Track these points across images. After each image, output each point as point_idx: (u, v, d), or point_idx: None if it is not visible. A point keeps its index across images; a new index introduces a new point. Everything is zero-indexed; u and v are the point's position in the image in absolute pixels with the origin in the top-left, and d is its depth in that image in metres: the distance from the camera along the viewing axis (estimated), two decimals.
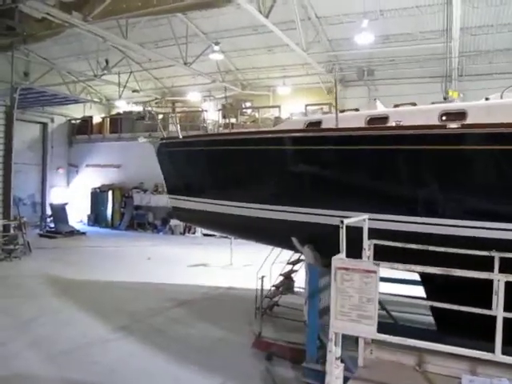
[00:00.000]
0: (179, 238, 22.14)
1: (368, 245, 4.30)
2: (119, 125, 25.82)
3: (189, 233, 22.99)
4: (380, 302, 8.18)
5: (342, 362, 3.60)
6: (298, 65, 22.56)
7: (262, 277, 7.88)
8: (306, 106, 21.75)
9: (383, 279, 9.00)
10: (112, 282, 12.12)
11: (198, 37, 20.72)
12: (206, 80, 24.61)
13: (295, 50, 17.50)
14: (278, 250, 9.35)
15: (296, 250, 7.27)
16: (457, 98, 8.83)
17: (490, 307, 3.85)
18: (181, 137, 7.80)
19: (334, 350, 3.39)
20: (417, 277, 6.11)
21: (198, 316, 9.38)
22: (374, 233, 4.62)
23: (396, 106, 7.32)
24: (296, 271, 9.73)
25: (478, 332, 4.14)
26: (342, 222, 3.64)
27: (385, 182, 5.05)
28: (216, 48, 17.90)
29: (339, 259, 3.42)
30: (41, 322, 8.70)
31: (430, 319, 6.13)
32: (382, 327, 7.20)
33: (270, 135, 5.97)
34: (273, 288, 10.34)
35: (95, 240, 20.45)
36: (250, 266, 15.01)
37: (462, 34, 17.06)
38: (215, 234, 22.43)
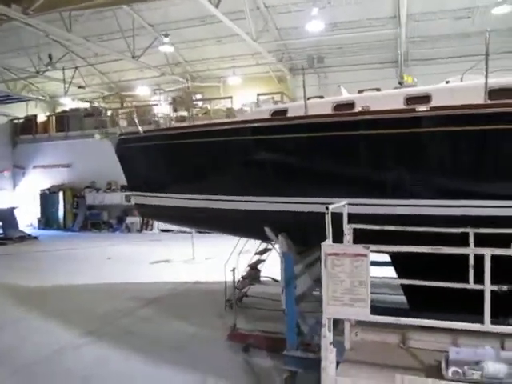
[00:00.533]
0: (137, 236, 21.69)
1: (348, 229, 4.36)
2: (66, 123, 24.80)
3: (146, 229, 22.59)
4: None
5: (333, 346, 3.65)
6: (247, 55, 22.50)
7: (234, 268, 7.83)
8: (258, 95, 21.73)
9: None
10: (75, 286, 11.68)
11: (144, 29, 20.19)
12: (155, 73, 24.09)
13: (245, 39, 17.46)
14: (239, 241, 9.38)
15: (267, 240, 7.28)
16: (411, 83, 9.06)
17: (462, 281, 4.05)
18: (141, 131, 7.58)
19: (328, 336, 3.43)
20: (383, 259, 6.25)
21: (168, 314, 9.22)
22: (352, 217, 4.72)
23: (360, 91, 7.45)
24: (263, 261, 9.77)
25: (451, 306, 4.34)
26: (327, 208, 3.67)
27: (358, 167, 5.15)
28: (166, 40, 17.53)
29: (329, 245, 3.45)
30: (2, 333, 8.25)
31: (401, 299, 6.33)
32: None
33: (237, 125, 5.91)
34: (241, 279, 10.47)
35: (49, 244, 19.62)
36: (212, 259, 14.98)
37: (407, 20, 17.62)
38: (173, 229, 22.24)
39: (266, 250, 9.51)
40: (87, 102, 27.07)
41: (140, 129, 7.70)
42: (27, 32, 19.92)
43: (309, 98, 7.89)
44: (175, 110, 24.37)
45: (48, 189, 24.64)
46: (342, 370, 3.79)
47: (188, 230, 21.83)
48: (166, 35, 17.41)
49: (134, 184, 8.10)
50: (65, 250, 17.69)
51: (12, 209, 20.84)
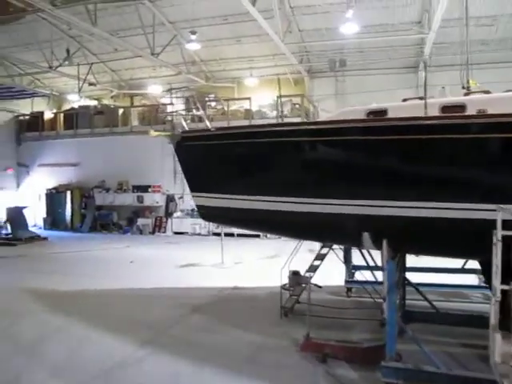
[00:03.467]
0: (150, 238, 21.13)
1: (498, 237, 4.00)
2: (75, 120, 24.07)
3: (159, 232, 22.01)
4: (419, 292, 8.15)
5: None
6: (266, 56, 22.17)
7: (311, 273, 7.41)
8: (278, 97, 21.38)
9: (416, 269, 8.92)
10: (105, 291, 11.13)
11: (163, 26, 19.68)
12: (167, 72, 23.59)
13: (274, 39, 17.02)
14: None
15: (357, 246, 6.90)
16: (475, 87, 8.84)
17: None
18: (212, 129, 7.15)
19: None
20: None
21: (220, 322, 8.77)
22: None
23: (467, 94, 7.17)
24: (317, 266, 9.38)
25: None
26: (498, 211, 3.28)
27: (485, 171, 4.84)
28: (193, 37, 17.03)
29: None
30: (49, 345, 7.63)
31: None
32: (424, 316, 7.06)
33: (342, 125, 5.53)
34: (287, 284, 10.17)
35: (60, 245, 18.94)
36: (241, 264, 14.63)
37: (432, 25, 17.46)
38: (187, 231, 21.78)
39: (324, 256, 9.14)
40: (95, 99, 26.43)
41: (209, 126, 7.27)
42: (41, 26, 19.34)
43: (405, 100, 7.61)
44: (188, 110, 23.92)
45: (55, 188, 23.91)
46: None
47: (203, 232, 21.62)
48: (194, 32, 16.93)
49: (197, 185, 7.63)
50: (80, 252, 17.08)
51: (21, 208, 20.09)
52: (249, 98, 21.78)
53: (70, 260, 15.51)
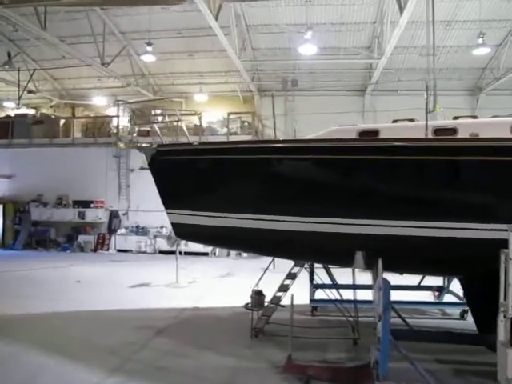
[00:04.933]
0: (94, 256, 19.94)
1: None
2: (10, 129, 22.39)
3: (102, 249, 20.85)
4: (394, 309, 8.23)
5: None
6: (216, 72, 22.10)
7: (292, 295, 7.23)
8: (229, 114, 21.31)
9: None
10: (56, 313, 10.16)
11: (114, 36, 19.05)
12: (113, 83, 22.81)
13: (230, 56, 16.98)
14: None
15: (344, 265, 6.82)
16: (439, 111, 9.30)
17: None
18: (194, 143, 6.85)
19: None
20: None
21: (188, 344, 8.29)
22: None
23: (456, 118, 7.40)
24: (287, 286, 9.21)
25: None
26: None
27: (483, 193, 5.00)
28: (149, 48, 16.60)
29: None
30: (2, 375, 6.82)
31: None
32: (398, 333, 7.15)
33: (340, 144, 5.46)
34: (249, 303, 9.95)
35: None
36: (196, 283, 14.16)
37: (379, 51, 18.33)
38: (131, 249, 20.85)
39: (295, 275, 9.00)
40: (33, 108, 24.87)
41: (190, 140, 6.95)
42: None
43: (395, 121, 7.73)
44: (135, 123, 23.16)
45: None
46: None
47: (149, 250, 20.79)
48: (149, 44, 16.49)
49: (173, 201, 7.24)
50: (18, 271, 15.66)
51: None
52: (199, 114, 21.43)
53: (9, 280, 14.13)
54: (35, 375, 6.75)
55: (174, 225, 7.40)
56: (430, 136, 5.81)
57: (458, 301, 10.44)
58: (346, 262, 6.04)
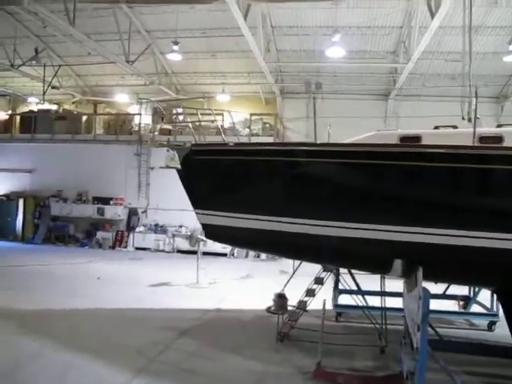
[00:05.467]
0: (112, 253, 20.01)
1: None
2: (33, 124, 22.61)
3: (120, 247, 20.90)
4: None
5: None
6: (239, 73, 22.04)
7: (324, 300, 7.11)
8: (251, 115, 21.25)
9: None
10: (75, 310, 10.15)
11: (139, 34, 19.09)
12: (136, 81, 22.88)
13: (256, 56, 16.87)
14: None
15: (380, 272, 6.67)
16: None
17: None
18: (231, 143, 6.76)
19: None
20: None
21: (213, 347, 8.22)
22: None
23: (499, 125, 7.21)
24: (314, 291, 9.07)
25: None
26: None
27: None
28: (175, 47, 16.58)
29: None
30: (27, 374, 6.69)
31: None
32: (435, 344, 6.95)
33: (395, 149, 5.32)
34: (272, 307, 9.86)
35: (11, 257, 17.48)
36: (217, 284, 14.10)
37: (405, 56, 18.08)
38: (149, 247, 20.84)
39: (322, 280, 8.87)
40: (55, 103, 25.07)
41: (226, 140, 6.88)
42: (3, 21, 18.16)
43: (436, 127, 7.58)
44: (155, 122, 23.23)
45: (5, 195, 22.20)
46: None
47: (167, 249, 20.78)
48: (176, 43, 16.49)
49: (205, 202, 7.15)
50: (36, 266, 15.76)
51: None
52: (222, 114, 21.43)
53: (27, 275, 14.18)
54: (63, 374, 6.71)
55: (204, 225, 7.31)
56: (476, 143, 5.64)
57: (485, 312, 10.24)
58: (383, 269, 5.90)
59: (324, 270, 8.73)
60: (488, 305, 10.22)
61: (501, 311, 9.88)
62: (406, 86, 20.77)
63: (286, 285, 9.10)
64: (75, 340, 8.10)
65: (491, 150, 5.12)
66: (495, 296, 9.93)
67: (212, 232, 7.31)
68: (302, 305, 8.84)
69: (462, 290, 11.14)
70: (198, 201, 7.29)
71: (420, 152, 5.08)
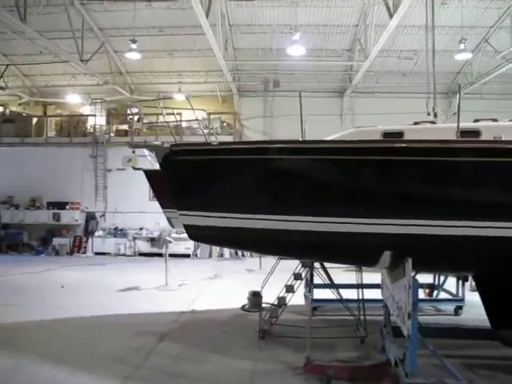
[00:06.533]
0: (71, 259, 19.25)
1: None
2: None
3: (78, 252, 20.15)
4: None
5: None
6: (196, 72, 21.83)
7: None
8: (209, 114, 21.10)
9: None
10: (47, 321, 9.64)
11: (91, 32, 18.45)
12: (88, 81, 22.13)
13: (216, 55, 16.76)
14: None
15: (367, 265, 6.82)
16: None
17: None
18: (214, 143, 6.68)
19: None
20: None
21: (196, 349, 8.12)
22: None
23: (476, 120, 7.54)
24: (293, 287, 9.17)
25: None
26: None
27: None
28: (133, 46, 16.13)
29: None
30: None
31: None
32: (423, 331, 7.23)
33: (381, 145, 5.44)
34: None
35: None
36: (186, 285, 13.92)
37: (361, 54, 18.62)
38: (109, 251, 20.26)
39: (300, 276, 8.98)
40: (0, 105, 23.75)
41: (210, 140, 6.79)
42: None
43: (416, 123, 7.81)
44: (108, 123, 22.56)
45: None
46: None
47: (128, 252, 20.26)
48: (134, 41, 16.05)
49: (188, 202, 7.03)
50: None
51: None
52: (180, 113, 21.12)
53: None
54: None
55: (187, 226, 7.19)
56: (455, 138, 5.92)
57: (451, 297, 10.77)
58: (371, 261, 6.06)
59: (302, 266, 8.85)
60: (453, 291, 10.74)
61: (466, 297, 10.54)
62: (360, 84, 21.39)
63: (265, 283, 9.13)
64: (53, 352, 7.73)
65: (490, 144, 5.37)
66: (460, 282, 10.54)
67: (196, 233, 7.19)
68: (281, 301, 8.91)
69: (426, 278, 11.62)
70: (179, 201, 7.16)
71: (428, 147, 5.21)
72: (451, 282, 10.99)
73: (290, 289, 8.95)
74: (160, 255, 18.99)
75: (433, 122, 7.86)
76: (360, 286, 8.93)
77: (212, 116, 21.89)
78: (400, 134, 6.70)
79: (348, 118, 22.36)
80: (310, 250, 6.30)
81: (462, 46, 16.23)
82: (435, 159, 5.26)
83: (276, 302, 8.98)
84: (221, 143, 6.94)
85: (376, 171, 5.48)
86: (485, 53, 19.54)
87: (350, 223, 5.75)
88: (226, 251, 19.99)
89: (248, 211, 6.43)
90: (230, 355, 7.78)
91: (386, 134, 6.71)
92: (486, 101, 21.20)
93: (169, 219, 10.73)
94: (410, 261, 5.55)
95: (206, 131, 20.79)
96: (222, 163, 6.55)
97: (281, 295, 8.98)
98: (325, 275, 9.59)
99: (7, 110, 22.66)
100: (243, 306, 11.00)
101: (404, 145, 5.40)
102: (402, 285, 5.95)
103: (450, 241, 5.42)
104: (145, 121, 22.49)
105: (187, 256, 19.86)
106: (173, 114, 20.86)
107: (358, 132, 7.13)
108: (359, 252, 6.01)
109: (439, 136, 5.78)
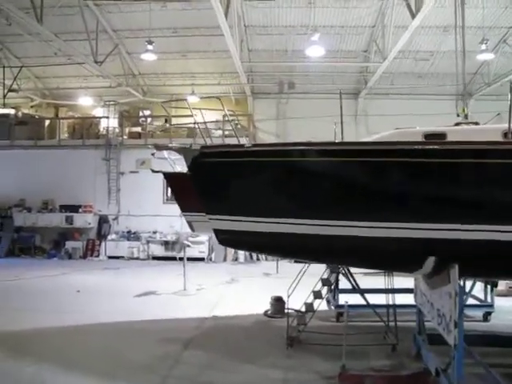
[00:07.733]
0: (84, 263, 19.07)
1: None
2: None
3: (91, 256, 19.98)
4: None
5: None
6: (209, 73, 21.65)
7: (346, 302, 6.94)
8: (224, 116, 20.83)
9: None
10: (66, 327, 9.38)
11: (105, 34, 18.32)
12: (100, 83, 22.00)
13: (233, 56, 16.55)
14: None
15: (409, 271, 6.55)
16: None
17: None
18: (247, 145, 6.44)
19: None
20: None
21: (223, 357, 7.88)
22: None
23: None
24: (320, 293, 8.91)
25: None
26: None
27: None
28: (150, 47, 15.97)
29: None
30: None
31: None
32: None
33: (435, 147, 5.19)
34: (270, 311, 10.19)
35: None
36: (204, 290, 13.68)
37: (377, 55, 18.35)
38: (123, 255, 20.04)
39: (329, 281, 8.73)
40: (12, 107, 23.63)
41: (241, 142, 6.56)
42: None
43: (457, 124, 7.55)
44: (121, 125, 22.42)
45: None
46: None
47: (142, 256, 20.05)
48: (150, 42, 15.89)
49: (219, 207, 6.79)
50: (4, 282, 14.61)
51: None
52: (192, 115, 20.90)
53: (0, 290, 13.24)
54: None
55: (217, 231, 6.95)
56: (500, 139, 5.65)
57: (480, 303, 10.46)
58: (414, 267, 5.81)
59: (331, 271, 8.61)
60: (482, 297, 10.44)
61: (496, 303, 10.23)
62: (375, 85, 21.13)
63: (293, 289, 8.83)
64: (77, 360, 7.52)
65: None
66: (488, 288, 10.22)
67: (227, 238, 6.95)
68: (309, 307, 8.66)
69: None
70: (209, 205, 6.92)
71: (485, 149, 4.96)
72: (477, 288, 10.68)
73: (318, 295, 8.71)
74: (174, 259, 18.90)
75: (476, 124, 7.59)
76: (390, 291, 8.66)
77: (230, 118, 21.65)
78: (442, 135, 6.45)
79: (362, 119, 22.09)
80: (352, 255, 6.04)
81: (483, 47, 15.92)
82: (489, 161, 5.01)
83: (303, 309, 8.75)
84: (254, 145, 6.70)
85: (432, 174, 5.21)
86: (503, 53, 19.23)
87: (396, 228, 5.50)
88: (241, 255, 19.73)
89: (285, 216, 6.18)
90: (259, 363, 7.54)
91: (428, 136, 6.46)
92: (502, 102, 20.87)
93: (189, 223, 10.45)
94: (457, 267, 5.29)
95: (219, 133, 20.88)
96: (255, 166, 6.30)
97: (308, 301, 8.75)
98: (352, 280, 9.34)
99: (19, 113, 22.53)
100: (266, 312, 10.76)
101: (467, 146, 5.11)
102: (445, 292, 5.70)
103: (501, 248, 5.17)
104: (158, 123, 22.35)
105: (201, 260, 19.62)
106: (193, 115, 20.83)
107: (400, 133, 6.88)
108: (403, 258, 5.75)
109: (484, 137, 5.53)
